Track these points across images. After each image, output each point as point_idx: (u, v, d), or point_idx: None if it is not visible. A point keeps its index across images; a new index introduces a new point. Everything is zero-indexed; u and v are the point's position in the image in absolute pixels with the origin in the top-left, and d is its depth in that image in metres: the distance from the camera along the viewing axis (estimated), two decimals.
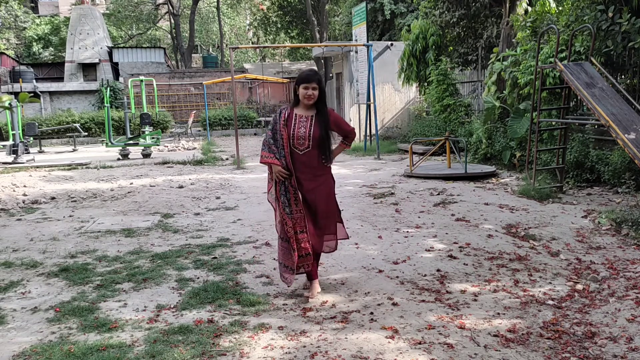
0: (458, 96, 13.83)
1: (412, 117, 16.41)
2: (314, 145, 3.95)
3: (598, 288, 4.27)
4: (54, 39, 38.03)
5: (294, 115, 3.98)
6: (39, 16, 41.80)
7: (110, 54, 28.45)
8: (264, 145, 4.02)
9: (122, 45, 35.40)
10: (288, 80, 24.10)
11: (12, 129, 15.07)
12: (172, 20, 36.80)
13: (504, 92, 10.67)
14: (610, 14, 8.19)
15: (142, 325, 3.62)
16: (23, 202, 8.28)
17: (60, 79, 28.61)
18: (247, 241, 5.67)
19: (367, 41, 15.07)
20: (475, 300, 3.99)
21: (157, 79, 23.52)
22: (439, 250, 5.16)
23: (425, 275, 4.50)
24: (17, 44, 38.25)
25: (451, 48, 14.83)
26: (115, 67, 28.38)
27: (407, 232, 5.85)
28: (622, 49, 8.21)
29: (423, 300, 3.96)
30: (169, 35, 41.12)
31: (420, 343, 3.28)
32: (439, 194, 7.97)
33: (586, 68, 7.28)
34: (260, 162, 4.05)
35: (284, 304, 3.93)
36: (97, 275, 4.66)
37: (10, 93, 23.47)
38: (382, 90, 16.61)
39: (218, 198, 8.28)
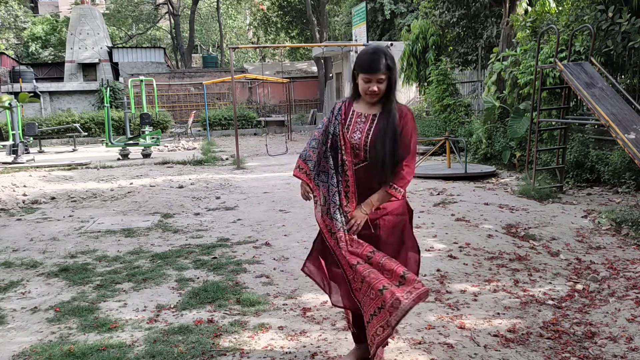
0: (458, 96, 13.83)
1: None
2: (371, 157, 2.72)
3: (598, 288, 4.27)
4: (54, 38, 38.03)
5: (351, 112, 2.80)
6: (35, 16, 41.80)
7: (110, 54, 28.46)
8: (306, 151, 2.87)
9: (122, 45, 35.40)
10: (288, 80, 24.09)
11: (12, 129, 15.07)
12: (172, 20, 36.80)
13: (504, 92, 10.67)
14: (610, 14, 8.20)
15: (142, 325, 3.62)
16: (23, 202, 8.28)
17: (60, 79, 28.62)
18: (247, 241, 5.67)
19: (367, 41, 15.08)
20: (475, 300, 3.99)
21: (157, 79, 23.52)
22: (439, 250, 5.16)
23: (425, 275, 4.50)
24: (16, 44, 38.25)
25: (451, 48, 14.84)
26: (115, 67, 28.39)
27: None
28: (622, 49, 8.21)
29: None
30: (169, 35, 41.13)
31: (420, 343, 3.28)
32: (439, 194, 7.97)
33: (586, 68, 7.28)
34: (293, 175, 2.90)
35: (284, 304, 3.93)
36: (97, 275, 4.66)
37: (10, 93, 23.47)
38: None
39: (218, 198, 8.28)
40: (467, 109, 13.37)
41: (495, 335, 3.40)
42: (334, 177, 2.74)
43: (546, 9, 10.60)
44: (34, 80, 26.62)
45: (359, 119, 2.75)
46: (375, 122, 2.72)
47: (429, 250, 5.15)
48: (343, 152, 2.72)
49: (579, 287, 4.30)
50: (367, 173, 2.74)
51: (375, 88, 2.66)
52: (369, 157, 2.72)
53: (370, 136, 2.70)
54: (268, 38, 36.28)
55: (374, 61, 2.62)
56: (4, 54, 29.36)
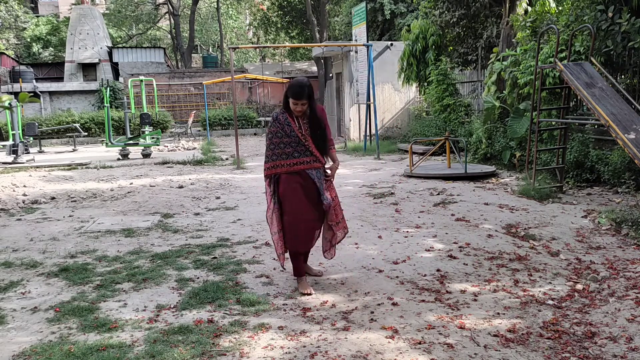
0: (458, 96, 13.82)
1: (412, 117, 16.41)
2: (317, 140, 4.24)
3: (598, 288, 4.27)
4: (54, 39, 38.03)
5: (294, 118, 4.18)
6: (37, 16, 41.81)
7: (110, 54, 28.45)
8: (272, 156, 4.20)
9: (122, 45, 35.40)
10: (288, 80, 24.09)
11: (12, 129, 15.06)
12: (172, 20, 36.79)
13: (503, 92, 10.67)
14: (610, 14, 8.19)
15: (142, 325, 3.62)
16: (23, 202, 8.28)
17: (60, 79, 28.61)
18: (247, 241, 5.67)
19: (367, 41, 15.07)
20: (475, 300, 3.99)
21: (157, 79, 23.51)
22: (439, 250, 5.16)
23: (425, 275, 4.50)
24: (16, 44, 38.24)
25: (451, 48, 14.83)
26: (115, 67, 28.39)
27: (407, 232, 5.85)
28: (622, 49, 8.21)
29: (423, 300, 3.96)
30: (169, 35, 41.13)
31: (420, 343, 3.29)
32: (438, 194, 7.97)
33: (586, 68, 7.28)
34: (268, 174, 4.26)
35: (284, 304, 3.93)
36: (97, 275, 4.66)
37: (10, 93, 23.47)
38: (382, 90, 16.60)
39: (218, 198, 8.28)
40: (467, 109, 13.37)
41: (495, 335, 3.40)
42: (302, 153, 4.20)
43: (546, 9, 10.59)
44: (34, 80, 26.60)
45: (302, 122, 4.18)
46: (313, 122, 4.19)
47: (428, 250, 5.15)
48: (306, 141, 4.16)
49: (579, 287, 4.30)
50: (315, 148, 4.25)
51: (300, 108, 4.12)
52: (317, 140, 4.23)
53: (315, 130, 4.20)
54: (268, 38, 36.24)
55: (299, 92, 4.06)
56: (4, 54, 29.34)
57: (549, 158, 8.71)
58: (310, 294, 4.11)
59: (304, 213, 4.16)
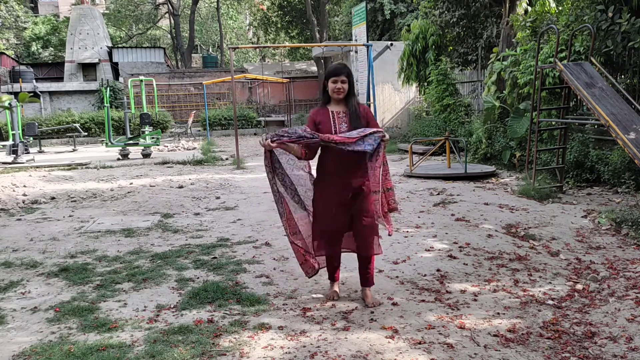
0: (458, 96, 13.83)
1: (412, 117, 16.42)
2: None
3: (598, 288, 4.27)
4: (54, 39, 38.06)
5: (330, 112, 3.87)
6: (36, 16, 41.83)
7: (110, 53, 28.48)
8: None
9: (122, 45, 35.42)
10: (288, 80, 24.09)
11: (12, 129, 15.06)
12: (172, 20, 36.81)
13: (503, 92, 10.67)
14: (610, 14, 8.20)
15: (142, 325, 3.62)
16: (23, 202, 8.28)
17: (60, 79, 28.64)
18: (247, 241, 5.67)
19: (367, 41, 15.07)
20: (475, 300, 3.99)
21: (157, 79, 23.51)
22: (439, 250, 5.16)
23: (425, 275, 4.50)
24: (16, 44, 38.26)
25: (451, 48, 14.83)
26: (115, 67, 28.41)
27: (407, 232, 5.85)
28: (622, 49, 8.21)
29: (423, 300, 3.96)
30: (169, 35, 41.14)
31: (420, 343, 3.29)
32: (438, 194, 7.97)
33: (586, 68, 7.28)
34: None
35: (284, 304, 3.93)
36: (97, 275, 4.66)
37: (10, 93, 23.47)
38: (382, 90, 16.60)
39: (218, 198, 8.28)
40: (467, 109, 13.37)
41: (495, 335, 3.40)
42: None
43: (546, 9, 10.60)
44: (34, 80, 26.62)
45: (339, 116, 3.87)
46: (350, 116, 3.84)
47: (428, 250, 5.15)
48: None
49: (579, 287, 4.30)
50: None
51: (341, 86, 3.81)
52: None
53: (354, 126, 3.80)
54: (268, 38, 36.27)
55: (338, 68, 3.86)
56: (4, 54, 29.37)
57: (549, 158, 8.71)
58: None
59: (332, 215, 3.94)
